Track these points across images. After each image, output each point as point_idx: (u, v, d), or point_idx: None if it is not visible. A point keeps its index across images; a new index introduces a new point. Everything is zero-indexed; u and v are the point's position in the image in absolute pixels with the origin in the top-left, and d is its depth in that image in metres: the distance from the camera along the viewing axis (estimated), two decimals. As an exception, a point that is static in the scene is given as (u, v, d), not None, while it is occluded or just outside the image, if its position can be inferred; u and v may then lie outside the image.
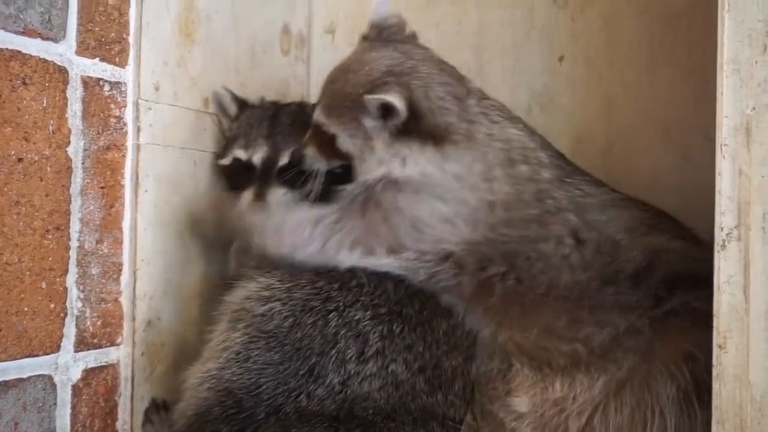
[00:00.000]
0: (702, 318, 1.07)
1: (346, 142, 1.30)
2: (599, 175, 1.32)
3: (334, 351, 1.20)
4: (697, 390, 1.07)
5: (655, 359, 1.12)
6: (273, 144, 1.48)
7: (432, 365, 1.23)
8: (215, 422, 1.21)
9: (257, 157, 1.47)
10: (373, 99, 1.22)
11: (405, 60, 1.30)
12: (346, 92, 1.28)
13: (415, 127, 1.24)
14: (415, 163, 1.25)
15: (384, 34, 1.36)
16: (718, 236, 0.97)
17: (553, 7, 1.62)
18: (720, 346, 0.97)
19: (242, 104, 1.57)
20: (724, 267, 0.97)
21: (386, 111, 1.23)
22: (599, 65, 1.58)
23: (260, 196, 1.43)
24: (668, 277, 1.18)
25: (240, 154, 1.49)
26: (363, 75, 1.28)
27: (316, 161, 1.37)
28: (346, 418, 1.18)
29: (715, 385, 0.97)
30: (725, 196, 0.97)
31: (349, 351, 1.20)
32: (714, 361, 0.97)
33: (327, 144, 1.33)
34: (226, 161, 1.51)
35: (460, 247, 1.22)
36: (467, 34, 1.71)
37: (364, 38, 1.38)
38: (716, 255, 0.97)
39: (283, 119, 1.53)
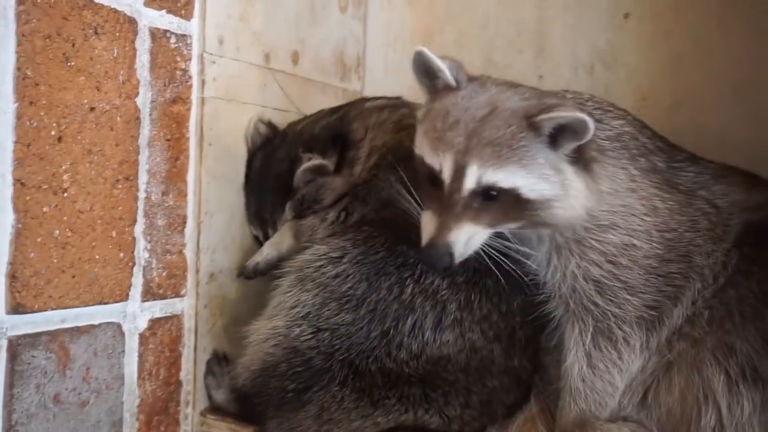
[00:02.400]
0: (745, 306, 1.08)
1: (536, 187, 1.04)
2: (665, 132, 1.29)
3: (410, 318, 1.19)
4: (742, 375, 1.06)
5: (701, 346, 1.10)
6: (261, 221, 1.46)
7: (507, 334, 1.22)
8: (281, 378, 1.23)
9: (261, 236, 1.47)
10: (559, 116, 1.02)
11: (529, 88, 1.15)
12: (508, 131, 1.04)
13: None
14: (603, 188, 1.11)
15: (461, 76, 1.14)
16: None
17: (619, -40, 1.59)
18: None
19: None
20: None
21: (571, 131, 1.03)
22: (667, 21, 1.55)
23: None
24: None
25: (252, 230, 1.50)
26: (513, 106, 1.07)
27: (481, 237, 1.08)
28: (430, 379, 1.19)
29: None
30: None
31: (427, 319, 1.19)
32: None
33: (503, 204, 1.05)
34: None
35: None
36: (526, -6, 1.69)
37: (452, 88, 1.12)
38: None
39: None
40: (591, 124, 1.00)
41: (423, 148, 1.10)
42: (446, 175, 1.05)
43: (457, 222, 1.04)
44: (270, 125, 1.48)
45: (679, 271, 1.11)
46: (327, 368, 1.21)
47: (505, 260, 1.11)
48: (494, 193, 1.04)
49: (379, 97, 1.50)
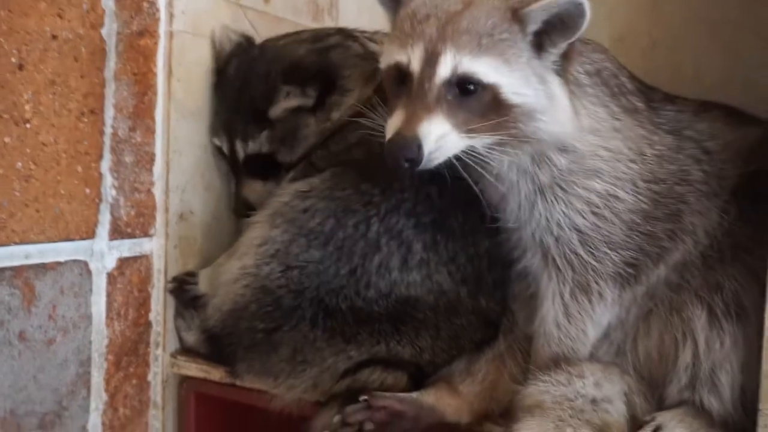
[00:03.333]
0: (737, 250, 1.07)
1: (520, 89, 0.97)
2: (641, 73, 1.28)
3: (377, 257, 1.19)
4: (726, 311, 1.05)
5: (684, 291, 1.10)
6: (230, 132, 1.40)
7: (474, 277, 1.22)
8: (251, 318, 1.24)
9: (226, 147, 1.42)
10: (543, 6, 0.95)
11: None
12: (488, 23, 0.97)
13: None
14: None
15: None
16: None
17: None
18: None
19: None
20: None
21: (561, 25, 0.96)
22: (645, -40, 1.54)
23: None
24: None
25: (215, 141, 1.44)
26: (492, 1, 1.00)
27: (454, 140, 0.97)
28: (400, 316, 1.20)
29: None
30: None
31: (393, 259, 1.19)
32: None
33: (480, 105, 0.97)
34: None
35: None
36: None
37: None
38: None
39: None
40: (587, 7, 0.94)
41: (390, 52, 1.03)
42: (415, 65, 0.97)
43: (428, 113, 0.95)
44: (242, 34, 1.44)
45: (665, 232, 1.09)
46: (296, 306, 1.21)
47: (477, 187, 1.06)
48: (471, 87, 0.96)
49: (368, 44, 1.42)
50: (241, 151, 1.38)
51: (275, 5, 1.62)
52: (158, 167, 1.34)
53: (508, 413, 1.11)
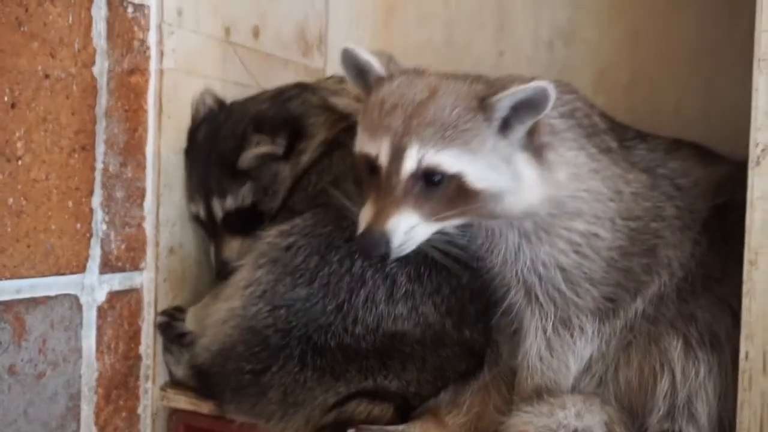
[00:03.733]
0: (708, 281, 1.09)
1: (485, 176, 0.98)
2: (621, 108, 1.29)
3: (363, 291, 1.18)
4: (701, 341, 1.07)
5: (661, 322, 1.11)
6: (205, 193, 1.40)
7: (457, 308, 1.22)
8: (238, 360, 1.23)
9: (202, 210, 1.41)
10: (518, 90, 0.95)
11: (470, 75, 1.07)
12: (452, 113, 0.97)
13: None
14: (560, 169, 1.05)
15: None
16: (753, 153, 0.96)
17: (578, -60, 1.60)
18: (751, 262, 0.97)
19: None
20: (758, 183, 0.96)
21: (526, 107, 0.97)
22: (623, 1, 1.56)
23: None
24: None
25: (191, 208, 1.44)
26: (458, 89, 1.01)
27: (422, 229, 0.99)
28: (387, 351, 1.19)
29: (745, 301, 0.97)
30: (761, 112, 0.96)
31: (379, 292, 1.19)
32: (744, 277, 0.97)
33: (447, 193, 0.98)
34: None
35: None
36: (488, -30, 1.69)
37: (385, 78, 1.06)
38: (750, 172, 0.97)
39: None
40: (552, 90, 0.94)
41: (362, 141, 1.04)
42: (383, 158, 0.98)
43: (396, 207, 0.96)
44: (217, 99, 1.45)
45: (642, 266, 1.10)
46: (284, 345, 1.20)
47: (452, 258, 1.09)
48: (437, 178, 0.96)
49: (326, 94, 1.45)
50: (219, 209, 1.38)
51: (264, 42, 1.63)
52: (149, 202, 1.35)
53: None
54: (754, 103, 0.96)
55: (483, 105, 0.97)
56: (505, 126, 0.98)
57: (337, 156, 1.32)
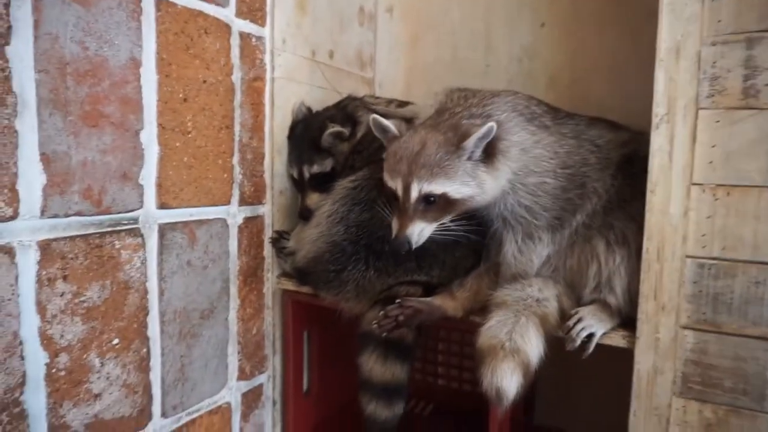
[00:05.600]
0: (622, 202, 1.09)
1: (460, 190, 1.03)
2: (566, 102, 1.28)
3: None
4: (616, 240, 1.08)
5: (592, 228, 1.12)
6: (299, 162, 1.38)
7: (472, 231, 1.18)
8: (326, 263, 1.24)
9: (296, 173, 1.40)
10: (478, 134, 1.00)
11: (446, 120, 1.09)
12: (436, 156, 1.02)
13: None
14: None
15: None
16: (654, 120, 0.97)
17: (538, -11, 1.57)
18: (651, 191, 0.98)
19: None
20: (657, 140, 0.97)
21: (482, 138, 1.01)
22: (568, 28, 1.54)
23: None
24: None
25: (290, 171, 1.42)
26: (437, 139, 1.04)
27: (429, 229, 1.06)
28: (421, 254, 1.18)
29: (647, 216, 0.99)
30: (660, 94, 0.96)
31: None
32: (647, 200, 0.99)
33: (439, 205, 1.04)
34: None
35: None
36: (480, 11, 1.67)
37: (397, 137, 1.10)
38: (652, 133, 0.97)
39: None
40: (495, 127, 1.00)
41: (386, 176, 1.08)
42: (400, 192, 1.04)
43: (411, 221, 1.03)
44: (308, 107, 1.46)
45: (577, 196, 1.10)
46: (355, 251, 1.21)
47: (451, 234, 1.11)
48: (432, 198, 1.02)
49: (366, 99, 1.46)
50: (307, 173, 1.37)
51: (336, 60, 1.63)
52: (267, 161, 1.38)
53: (485, 309, 1.13)
54: (655, 87, 0.96)
55: (459, 148, 1.01)
56: (470, 155, 1.03)
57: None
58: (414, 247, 1.05)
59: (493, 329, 1.05)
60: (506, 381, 0.98)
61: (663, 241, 0.97)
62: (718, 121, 0.93)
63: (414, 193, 1.02)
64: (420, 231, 1.04)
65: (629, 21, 1.44)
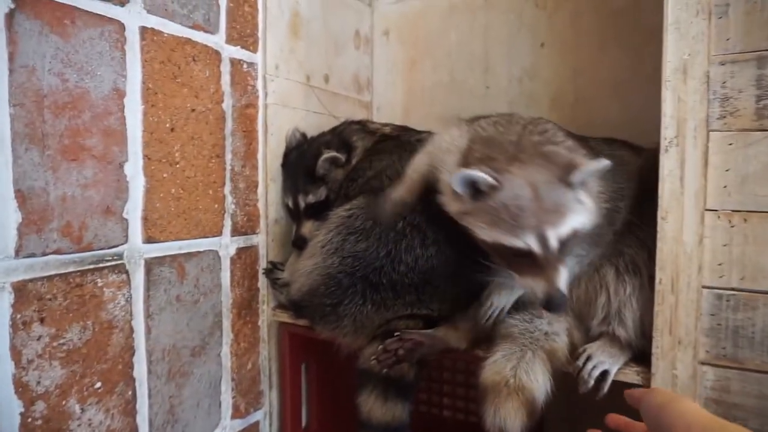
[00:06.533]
0: (632, 227, 1.02)
1: (581, 220, 0.87)
2: (570, 122, 1.23)
3: (404, 241, 1.12)
4: (627, 269, 1.01)
5: (602, 257, 1.04)
6: (294, 192, 1.35)
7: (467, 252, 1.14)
8: (321, 297, 1.18)
9: (291, 202, 1.36)
10: (587, 170, 0.85)
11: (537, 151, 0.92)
12: (554, 196, 0.85)
13: None
14: None
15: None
16: (663, 143, 0.91)
17: (536, 8, 1.53)
18: (663, 218, 0.92)
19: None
20: (667, 164, 0.91)
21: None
22: (568, 48, 1.49)
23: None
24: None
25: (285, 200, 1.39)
26: (545, 178, 0.87)
27: (565, 272, 0.87)
28: (422, 286, 1.13)
29: (659, 244, 0.93)
30: (668, 116, 0.91)
31: (415, 241, 1.12)
32: (658, 228, 0.93)
33: (572, 242, 0.88)
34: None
35: None
36: (478, 33, 1.63)
37: (493, 188, 0.87)
38: (661, 156, 0.92)
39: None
40: (607, 162, 0.85)
41: (498, 236, 0.86)
42: (535, 247, 0.84)
43: (558, 271, 0.85)
44: (302, 134, 1.42)
45: (607, 231, 1.01)
46: (351, 285, 1.15)
47: None
48: (566, 240, 0.86)
49: (363, 123, 1.43)
50: (302, 202, 1.32)
51: (332, 84, 1.60)
52: (260, 189, 1.33)
53: (490, 339, 1.07)
54: (663, 109, 0.91)
55: (566, 181, 0.84)
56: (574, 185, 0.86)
57: (374, 159, 1.28)
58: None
59: (498, 364, 0.99)
60: (510, 421, 0.92)
61: (677, 271, 0.91)
62: (731, 144, 0.87)
63: (553, 242, 0.84)
64: (565, 278, 0.87)
65: (631, 39, 1.39)
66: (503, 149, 0.89)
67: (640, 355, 0.99)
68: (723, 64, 0.87)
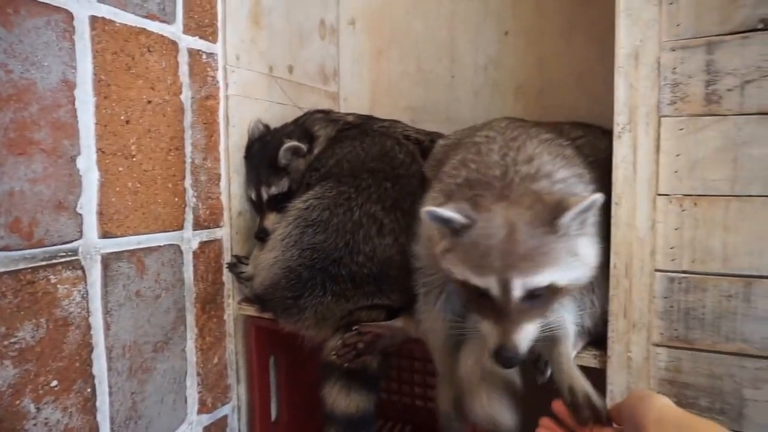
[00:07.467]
0: None
1: (566, 275, 0.79)
2: (536, 111, 1.25)
3: (361, 231, 1.13)
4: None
5: None
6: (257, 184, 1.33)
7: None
8: (282, 290, 1.18)
9: (254, 195, 1.35)
10: (580, 207, 0.76)
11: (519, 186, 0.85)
12: (532, 241, 0.77)
13: None
14: None
15: None
16: (616, 130, 0.92)
17: (501, -3, 1.53)
18: (616, 204, 0.93)
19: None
20: (620, 150, 0.92)
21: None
22: (533, 36, 1.49)
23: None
24: None
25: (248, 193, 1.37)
26: (527, 219, 0.78)
27: (530, 333, 0.80)
28: (381, 277, 1.14)
29: (613, 230, 0.94)
30: (621, 102, 0.92)
31: (371, 230, 1.13)
32: (612, 213, 0.93)
33: (546, 298, 0.80)
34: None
35: None
36: (444, 21, 1.62)
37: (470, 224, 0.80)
38: (615, 142, 0.93)
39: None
40: (601, 198, 0.76)
41: (465, 274, 0.80)
42: (495, 291, 0.77)
43: (517, 325, 0.78)
44: (264, 125, 1.40)
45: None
46: (311, 277, 1.14)
47: None
48: (538, 292, 0.78)
49: (326, 112, 1.42)
50: (265, 194, 1.31)
51: (297, 75, 1.58)
52: (223, 182, 1.31)
53: None
54: (615, 95, 0.92)
55: (552, 225, 0.76)
56: (567, 230, 0.77)
57: (336, 147, 1.28)
58: (523, 357, 0.78)
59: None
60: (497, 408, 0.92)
61: (631, 256, 0.92)
62: (681, 129, 0.88)
63: (516, 292, 0.76)
64: (528, 335, 0.78)
65: (595, 27, 1.40)
66: (490, 186, 0.83)
67: (598, 339, 1.00)
68: (674, 50, 0.88)
